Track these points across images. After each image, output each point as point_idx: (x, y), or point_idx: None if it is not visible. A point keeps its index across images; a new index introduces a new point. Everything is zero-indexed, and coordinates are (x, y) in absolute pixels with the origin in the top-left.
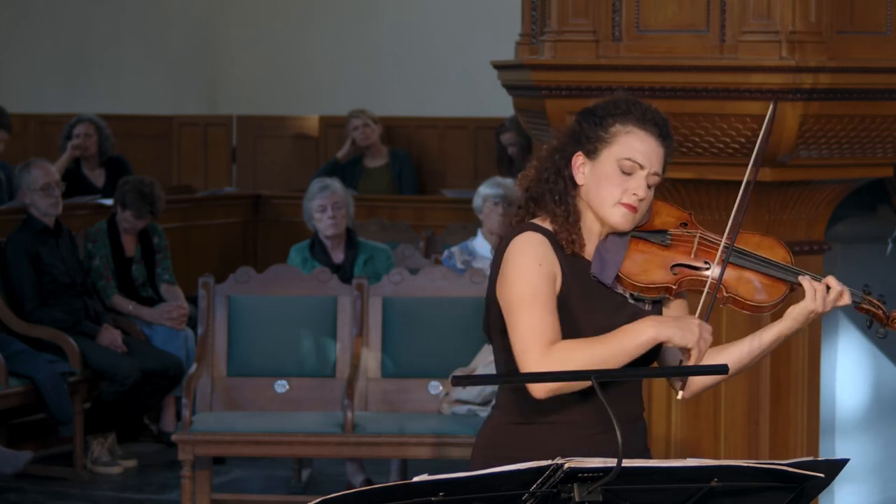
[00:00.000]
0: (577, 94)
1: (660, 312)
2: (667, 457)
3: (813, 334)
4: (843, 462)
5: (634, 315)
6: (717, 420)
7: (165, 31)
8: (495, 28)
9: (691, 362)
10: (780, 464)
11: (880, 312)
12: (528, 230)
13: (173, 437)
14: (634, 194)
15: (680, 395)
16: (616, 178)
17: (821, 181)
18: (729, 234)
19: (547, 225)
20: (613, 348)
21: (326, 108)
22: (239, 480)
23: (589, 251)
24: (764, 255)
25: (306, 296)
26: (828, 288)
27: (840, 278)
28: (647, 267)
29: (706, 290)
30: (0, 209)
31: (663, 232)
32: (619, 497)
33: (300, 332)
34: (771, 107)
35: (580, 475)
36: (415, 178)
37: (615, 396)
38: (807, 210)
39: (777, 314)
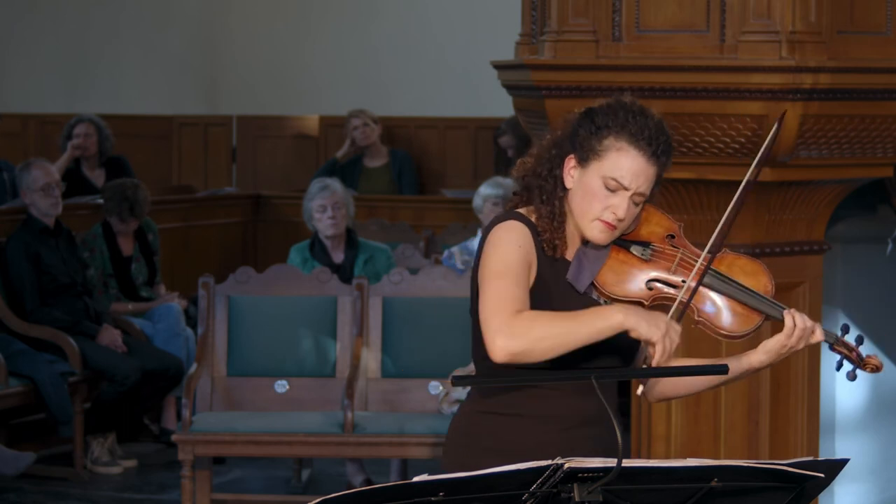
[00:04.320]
0: (577, 94)
1: None
2: (667, 457)
3: None
4: (843, 462)
5: None
6: (717, 420)
7: (165, 32)
8: (495, 28)
9: (655, 360)
10: (780, 464)
11: (854, 355)
12: (512, 218)
13: (173, 437)
14: (614, 213)
15: (640, 389)
16: (600, 194)
17: (821, 181)
18: (707, 253)
19: (533, 218)
20: (578, 325)
21: (326, 108)
22: (239, 480)
23: (571, 253)
24: (743, 283)
25: (306, 296)
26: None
27: (840, 278)
28: (623, 278)
29: (676, 303)
30: (0, 209)
31: (646, 244)
32: (619, 497)
33: (300, 332)
34: (777, 122)
35: (580, 475)
36: (415, 178)
37: (590, 394)
38: (807, 210)
39: (753, 342)
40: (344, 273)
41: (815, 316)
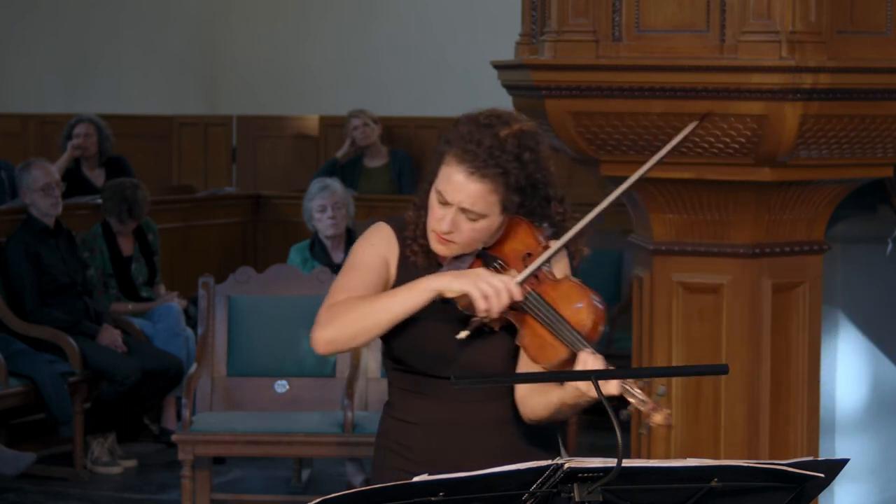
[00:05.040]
0: (577, 94)
1: (509, 340)
2: (667, 457)
3: (813, 334)
4: (843, 462)
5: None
6: (717, 420)
7: (165, 31)
8: (495, 28)
9: (480, 312)
10: (780, 464)
11: (647, 408)
12: (381, 221)
13: (173, 437)
14: (440, 226)
15: (464, 334)
16: (434, 205)
17: (821, 181)
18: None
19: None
20: (386, 302)
21: (326, 108)
22: (239, 480)
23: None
24: (560, 312)
25: (306, 296)
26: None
27: (840, 278)
28: None
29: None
30: (0, 209)
31: (496, 259)
32: (619, 497)
33: (300, 332)
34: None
35: (580, 475)
36: (415, 178)
37: (469, 397)
38: (807, 210)
39: None
40: None
41: (815, 316)
